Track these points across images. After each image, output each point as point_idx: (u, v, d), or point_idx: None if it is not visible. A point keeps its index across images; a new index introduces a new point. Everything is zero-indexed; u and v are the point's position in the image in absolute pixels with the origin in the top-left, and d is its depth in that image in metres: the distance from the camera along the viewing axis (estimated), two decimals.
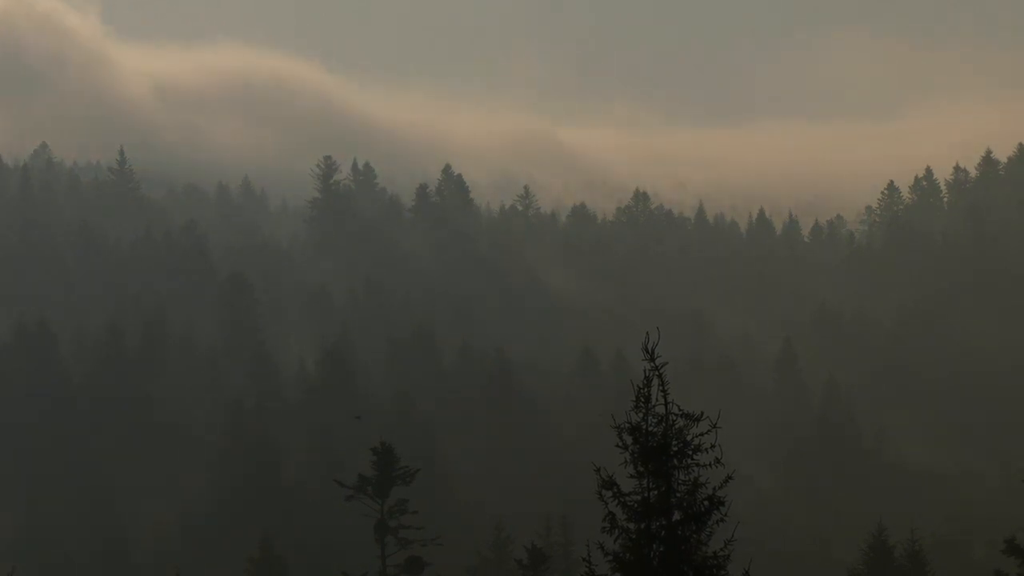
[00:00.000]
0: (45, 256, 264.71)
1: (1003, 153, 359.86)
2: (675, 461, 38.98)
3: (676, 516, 38.93)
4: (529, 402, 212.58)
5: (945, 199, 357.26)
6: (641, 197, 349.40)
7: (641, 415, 39.08)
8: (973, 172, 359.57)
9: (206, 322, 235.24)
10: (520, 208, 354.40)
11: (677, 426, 38.99)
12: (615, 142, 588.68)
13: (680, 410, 39.06)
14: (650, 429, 39.03)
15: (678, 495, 38.97)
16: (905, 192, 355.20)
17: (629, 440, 39.04)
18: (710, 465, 38.90)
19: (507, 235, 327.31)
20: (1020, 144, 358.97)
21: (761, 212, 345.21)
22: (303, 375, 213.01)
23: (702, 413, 39.01)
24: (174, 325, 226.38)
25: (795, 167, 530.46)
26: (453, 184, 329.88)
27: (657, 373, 38.90)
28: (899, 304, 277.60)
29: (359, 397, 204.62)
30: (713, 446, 38.92)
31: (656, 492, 39.00)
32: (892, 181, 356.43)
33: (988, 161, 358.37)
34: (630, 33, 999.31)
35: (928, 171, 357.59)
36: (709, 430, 38.93)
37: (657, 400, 39.01)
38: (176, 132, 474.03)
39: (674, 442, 38.96)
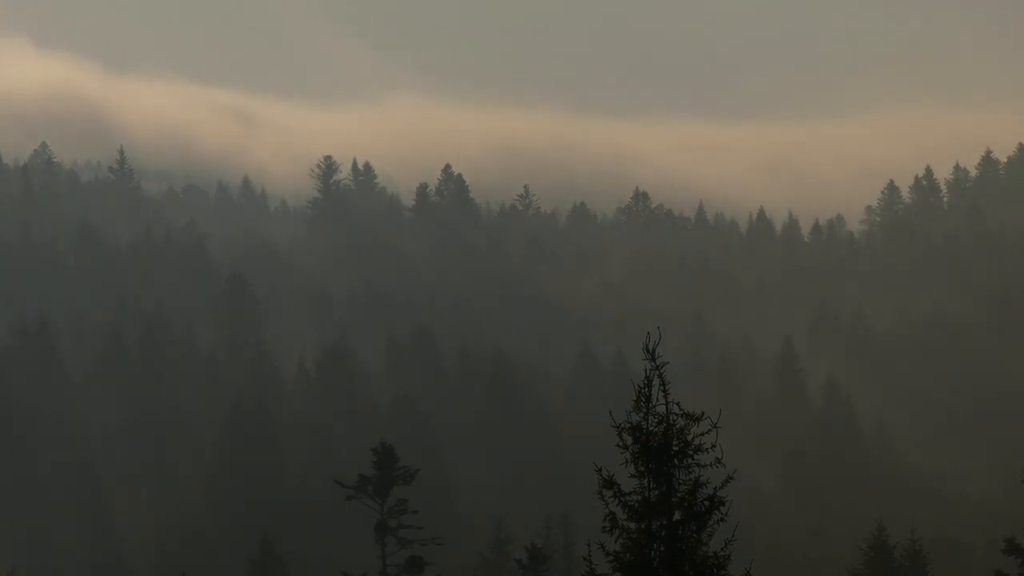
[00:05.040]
0: (45, 256, 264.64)
1: (1003, 153, 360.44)
2: (676, 461, 38.97)
3: (677, 516, 38.93)
4: (529, 403, 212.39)
5: (945, 199, 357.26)
6: (641, 197, 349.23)
7: (642, 415, 39.06)
8: (973, 172, 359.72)
9: (206, 322, 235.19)
10: (520, 208, 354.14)
11: (678, 426, 38.98)
12: (610, 138, 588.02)
13: (681, 410, 39.05)
14: (651, 429, 39.02)
15: (679, 495, 38.96)
16: (905, 192, 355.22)
17: (629, 440, 39.03)
18: (710, 465, 38.90)
19: (507, 235, 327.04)
20: (1020, 144, 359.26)
21: (761, 212, 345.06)
22: (303, 375, 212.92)
23: (703, 413, 38.99)
24: (174, 325, 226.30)
25: (793, 166, 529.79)
26: (453, 184, 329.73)
27: (658, 373, 38.89)
28: (899, 304, 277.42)
29: (359, 397, 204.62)
30: (714, 446, 38.91)
31: (657, 492, 38.99)
32: (892, 181, 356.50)
33: (988, 161, 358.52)
34: (631, 28, 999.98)
35: (928, 171, 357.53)
36: (710, 430, 38.92)
37: (658, 400, 39.00)
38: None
39: (675, 442, 38.95)
